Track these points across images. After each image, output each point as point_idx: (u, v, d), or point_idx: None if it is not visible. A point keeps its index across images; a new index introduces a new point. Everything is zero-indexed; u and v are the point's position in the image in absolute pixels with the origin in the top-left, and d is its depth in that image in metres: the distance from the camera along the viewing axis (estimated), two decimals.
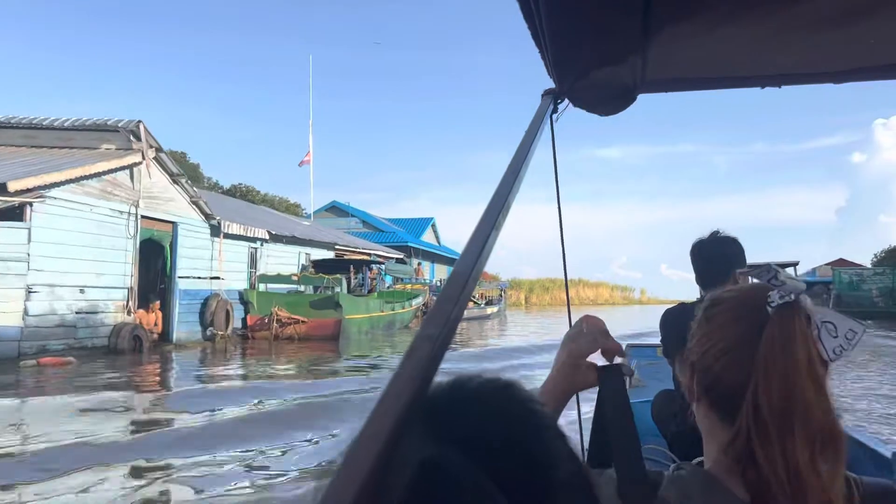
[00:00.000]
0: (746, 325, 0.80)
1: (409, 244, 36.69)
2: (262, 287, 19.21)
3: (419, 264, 40.85)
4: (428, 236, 44.45)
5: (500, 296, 46.26)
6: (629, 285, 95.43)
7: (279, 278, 19.16)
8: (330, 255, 25.16)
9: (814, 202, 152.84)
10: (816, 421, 0.74)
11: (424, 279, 37.92)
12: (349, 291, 23.14)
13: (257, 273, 19.72)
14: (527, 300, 70.72)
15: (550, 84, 1.38)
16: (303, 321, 18.32)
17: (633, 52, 1.26)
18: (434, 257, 42.45)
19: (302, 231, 23.60)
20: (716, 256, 2.31)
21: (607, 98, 1.48)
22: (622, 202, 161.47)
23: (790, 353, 0.75)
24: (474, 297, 38.04)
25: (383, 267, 23.78)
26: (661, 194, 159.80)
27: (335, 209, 39.77)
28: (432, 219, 45.44)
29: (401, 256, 33.59)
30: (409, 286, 30.54)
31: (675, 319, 2.34)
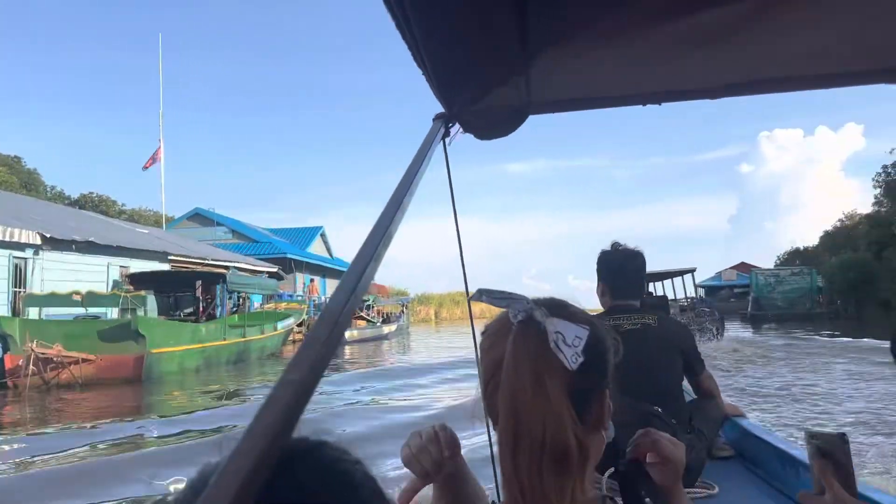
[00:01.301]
0: (499, 351, 0.81)
1: (289, 256, 31.13)
2: (32, 313, 13.40)
3: (312, 280, 35.85)
4: (318, 248, 38.94)
5: (403, 312, 42.32)
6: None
7: (54, 299, 13.38)
8: (163, 267, 19.40)
9: (708, 211, 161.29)
10: (542, 436, 0.74)
11: (316, 297, 33.01)
12: (197, 313, 17.75)
13: (25, 293, 13.83)
14: (437, 315, 67.94)
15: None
16: (87, 359, 12.66)
17: (517, 75, 1.28)
18: (324, 271, 37.08)
19: (104, 235, 17.63)
20: (625, 268, 2.44)
21: (496, 121, 1.49)
22: (531, 215, 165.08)
23: (516, 371, 0.77)
24: (369, 315, 33.44)
25: (226, 281, 18.31)
26: (567, 207, 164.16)
27: (199, 217, 33.58)
28: (320, 228, 39.88)
29: (275, 270, 28.12)
30: (283, 305, 25.23)
31: None
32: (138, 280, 16.59)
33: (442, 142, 1.31)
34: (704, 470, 2.36)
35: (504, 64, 1.19)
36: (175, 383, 13.46)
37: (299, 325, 23.53)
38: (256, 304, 24.43)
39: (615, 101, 1.59)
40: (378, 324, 33.71)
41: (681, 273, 23.81)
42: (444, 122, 1.31)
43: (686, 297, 26.65)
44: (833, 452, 1.06)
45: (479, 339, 0.90)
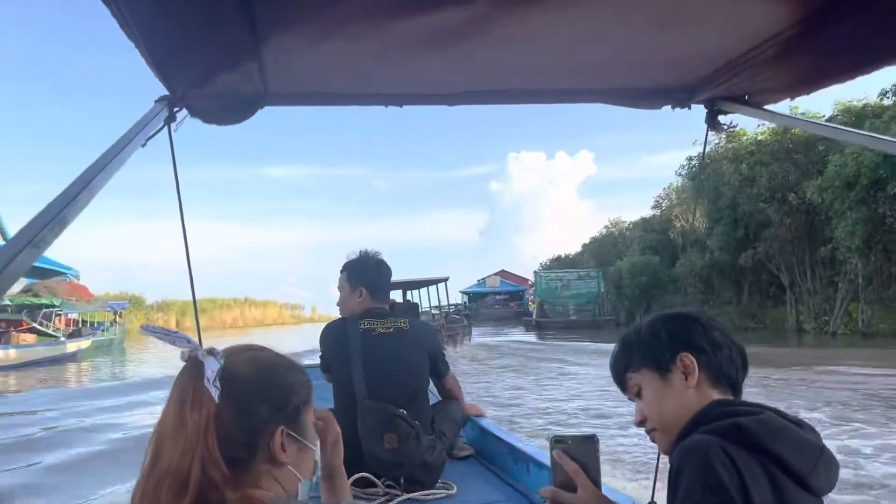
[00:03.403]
0: None
1: None
2: None
3: None
4: None
5: (115, 321, 32.76)
6: (300, 303, 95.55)
7: None
8: None
9: (461, 224, 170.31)
10: (169, 463, 0.80)
11: None
12: None
13: None
14: (178, 324, 59.39)
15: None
16: None
17: (247, 60, 1.23)
18: None
19: None
20: (380, 274, 2.59)
21: (228, 107, 1.44)
22: (293, 221, 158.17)
23: (168, 404, 0.85)
24: (48, 327, 24.04)
25: None
26: (330, 215, 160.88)
27: None
28: None
29: None
30: None
31: (334, 335, 2.52)
32: None
33: (167, 127, 1.25)
34: (445, 470, 2.40)
35: (232, 46, 1.13)
36: None
37: None
38: None
39: (355, 100, 1.57)
40: (61, 338, 24.27)
41: (435, 282, 24.22)
42: (167, 105, 1.24)
43: (448, 305, 26.68)
44: (583, 453, 1.10)
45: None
